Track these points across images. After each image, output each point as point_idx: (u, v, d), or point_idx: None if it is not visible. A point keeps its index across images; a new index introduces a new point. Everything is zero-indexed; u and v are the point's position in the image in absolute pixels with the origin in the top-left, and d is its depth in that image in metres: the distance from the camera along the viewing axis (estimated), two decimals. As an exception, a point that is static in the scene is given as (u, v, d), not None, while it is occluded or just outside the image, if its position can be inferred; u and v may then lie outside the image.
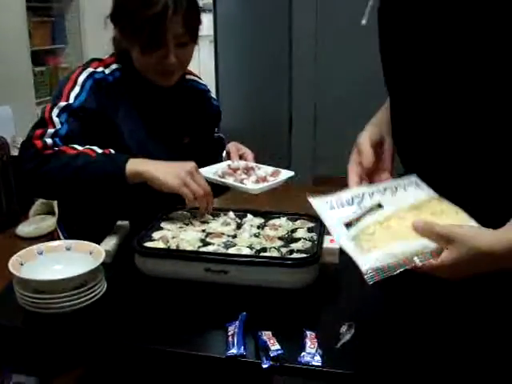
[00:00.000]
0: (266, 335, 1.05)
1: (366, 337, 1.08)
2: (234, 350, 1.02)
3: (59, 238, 1.74)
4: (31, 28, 3.78)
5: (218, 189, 1.61)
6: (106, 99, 1.55)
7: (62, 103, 1.49)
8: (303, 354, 1.01)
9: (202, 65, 5.94)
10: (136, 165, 1.39)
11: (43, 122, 1.47)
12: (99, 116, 1.52)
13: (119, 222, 1.55)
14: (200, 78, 1.82)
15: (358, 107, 4.19)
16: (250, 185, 1.45)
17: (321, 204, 1.01)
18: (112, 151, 1.45)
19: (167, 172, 1.37)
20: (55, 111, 1.48)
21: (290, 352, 1.01)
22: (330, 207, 0.99)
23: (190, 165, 1.41)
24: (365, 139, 1.08)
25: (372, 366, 1.02)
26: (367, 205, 0.97)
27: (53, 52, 4.14)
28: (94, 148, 1.44)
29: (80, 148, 1.43)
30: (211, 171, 1.53)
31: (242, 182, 1.47)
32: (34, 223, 3.39)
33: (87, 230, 1.61)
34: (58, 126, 1.46)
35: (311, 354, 1.02)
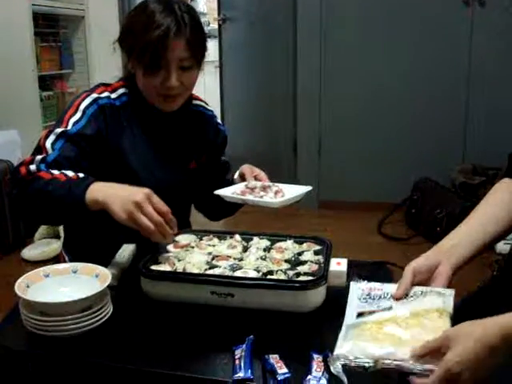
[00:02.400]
0: (273, 358, 1.03)
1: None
2: (241, 374, 1.01)
3: (65, 262, 1.74)
4: (38, 53, 3.83)
5: (233, 207, 1.65)
6: (110, 124, 1.56)
7: (59, 129, 1.49)
8: (309, 377, 1.00)
9: (208, 90, 6.00)
10: (95, 192, 1.32)
11: (38, 149, 1.47)
12: (101, 141, 1.53)
13: (125, 245, 1.55)
14: (207, 104, 1.83)
15: (362, 136, 4.24)
16: (271, 199, 1.45)
17: (354, 289, 1.18)
18: (81, 175, 1.40)
19: (116, 203, 1.27)
20: (51, 138, 1.48)
21: (297, 375, 1.00)
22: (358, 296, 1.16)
23: (140, 194, 1.27)
24: (409, 266, 1.17)
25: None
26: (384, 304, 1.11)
27: (60, 77, 4.18)
28: (66, 172, 1.40)
29: (56, 173, 1.40)
30: (228, 191, 1.53)
31: (261, 198, 1.47)
32: (40, 247, 3.38)
33: (92, 253, 1.59)
34: (50, 152, 1.45)
35: (317, 377, 1.00)
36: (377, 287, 1.17)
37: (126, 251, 1.52)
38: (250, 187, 1.53)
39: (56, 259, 2.04)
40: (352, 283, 1.19)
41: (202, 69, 1.61)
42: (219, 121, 1.86)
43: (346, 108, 4.23)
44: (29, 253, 3.37)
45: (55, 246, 3.29)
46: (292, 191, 1.52)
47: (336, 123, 4.28)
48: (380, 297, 1.14)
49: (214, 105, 5.53)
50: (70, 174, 1.40)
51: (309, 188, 1.56)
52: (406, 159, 4.11)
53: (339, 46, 4.17)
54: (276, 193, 1.49)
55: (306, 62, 4.26)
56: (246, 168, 1.65)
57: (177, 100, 1.58)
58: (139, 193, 1.27)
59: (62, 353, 1.12)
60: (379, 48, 4.11)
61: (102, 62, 4.21)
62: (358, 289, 1.17)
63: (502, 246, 3.29)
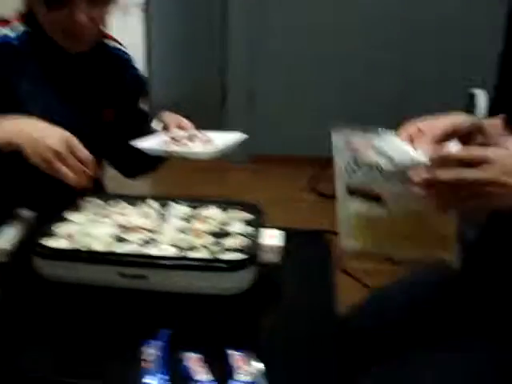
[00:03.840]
0: (191, 360, 0.84)
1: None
2: (149, 380, 0.81)
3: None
4: None
5: (152, 161, 1.48)
6: (5, 66, 1.33)
7: None
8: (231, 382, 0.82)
9: (131, 34, 5.62)
10: (5, 132, 1.14)
11: None
12: None
13: (20, 211, 1.30)
14: (122, 46, 1.58)
15: (295, 85, 4.03)
16: (200, 149, 1.26)
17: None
18: None
19: (32, 147, 1.11)
20: None
21: (222, 379, 0.82)
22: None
23: (58, 142, 1.12)
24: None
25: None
26: None
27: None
28: None
29: None
30: (149, 143, 1.33)
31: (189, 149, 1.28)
32: None
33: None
34: None
35: (242, 382, 0.82)
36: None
37: (21, 219, 1.28)
38: (174, 137, 1.32)
39: None
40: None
41: (113, 3, 1.36)
42: (135, 65, 1.62)
43: (279, 57, 4.00)
44: None
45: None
46: (223, 140, 1.33)
47: (268, 72, 4.05)
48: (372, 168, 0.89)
49: (137, 49, 5.23)
50: None
51: (243, 136, 1.40)
52: (344, 111, 3.94)
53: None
54: (205, 142, 1.30)
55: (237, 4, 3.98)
56: (168, 116, 1.45)
57: (86, 39, 1.34)
58: (54, 136, 1.13)
59: None
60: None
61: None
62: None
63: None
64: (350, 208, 0.93)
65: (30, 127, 1.15)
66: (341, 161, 0.92)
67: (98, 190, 1.59)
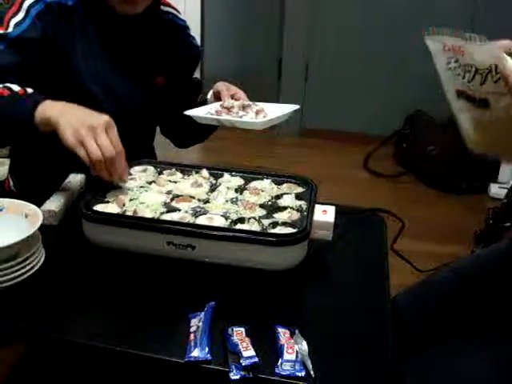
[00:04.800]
0: (238, 335, 0.82)
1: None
2: (195, 353, 0.80)
3: (9, 189, 1.51)
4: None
5: (204, 131, 1.45)
6: (60, 27, 1.30)
7: None
8: (280, 362, 0.79)
9: (188, 2, 5.59)
10: (47, 110, 1.09)
11: None
12: (48, 47, 1.27)
13: (72, 175, 1.31)
14: (179, 12, 1.55)
15: (354, 58, 3.91)
16: (252, 119, 1.24)
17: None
18: (29, 90, 1.17)
19: (69, 125, 1.05)
20: None
21: (267, 358, 0.79)
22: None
23: (98, 119, 1.06)
24: None
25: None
26: None
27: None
28: (11, 86, 1.17)
29: None
30: (201, 112, 1.30)
31: (240, 118, 1.25)
32: (-13, 167, 3.09)
33: (40, 180, 1.38)
34: None
35: (291, 361, 0.79)
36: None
37: (73, 183, 1.28)
38: (227, 106, 1.30)
39: (1, 183, 1.80)
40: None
41: None
42: (192, 33, 1.59)
43: (338, 32, 3.88)
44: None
45: (4, 168, 2.99)
46: (276, 111, 1.30)
47: (325, 47, 3.94)
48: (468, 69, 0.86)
49: (194, 19, 5.20)
50: (16, 88, 1.17)
51: (295, 107, 1.35)
52: (399, 89, 3.81)
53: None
54: (257, 112, 1.27)
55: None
56: (222, 85, 1.41)
57: (141, 2, 1.31)
58: (98, 117, 1.07)
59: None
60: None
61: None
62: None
63: (496, 190, 3.13)
64: (460, 111, 0.91)
65: (74, 110, 1.11)
66: (443, 64, 0.89)
67: (150, 158, 1.59)
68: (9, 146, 1.57)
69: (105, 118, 1.07)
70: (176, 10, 1.54)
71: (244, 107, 1.29)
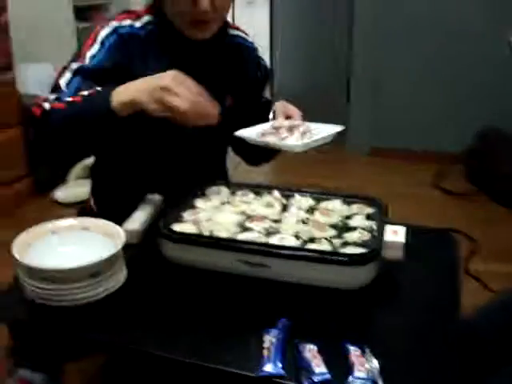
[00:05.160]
0: (310, 352, 0.85)
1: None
2: (268, 368, 0.83)
3: (91, 210, 1.59)
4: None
5: (270, 151, 1.44)
6: (134, 56, 1.37)
7: (75, 65, 1.30)
8: (351, 379, 0.81)
9: (257, 24, 5.70)
10: (119, 95, 1.18)
11: (54, 88, 1.30)
12: (123, 76, 1.34)
13: (150, 196, 1.37)
14: (247, 35, 1.61)
15: (423, 76, 3.87)
16: (293, 141, 1.24)
17: None
18: (99, 88, 1.25)
19: (143, 95, 1.15)
20: (67, 75, 1.29)
21: (339, 375, 0.82)
22: None
23: (166, 78, 1.16)
24: None
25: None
26: None
27: (98, 7, 3.94)
28: (82, 93, 1.24)
29: (70, 99, 1.24)
30: (250, 132, 1.33)
31: (283, 140, 1.26)
32: (72, 188, 3.21)
33: (120, 200, 1.45)
34: (65, 91, 1.27)
35: (361, 379, 0.81)
36: None
37: (151, 203, 1.35)
38: (275, 126, 1.32)
39: (84, 203, 1.90)
40: None
41: None
42: (260, 54, 1.64)
43: (407, 47, 3.86)
44: (61, 194, 3.20)
45: (87, 188, 3.12)
46: (321, 131, 1.30)
47: (394, 63, 3.92)
48: None
49: (263, 39, 5.29)
50: (86, 92, 1.24)
51: (339, 128, 1.34)
52: (471, 105, 3.73)
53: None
54: (303, 133, 1.28)
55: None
56: (279, 105, 1.44)
57: (209, 26, 1.37)
58: (165, 76, 1.17)
59: (65, 324, 0.96)
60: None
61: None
62: None
63: None
64: None
65: (140, 82, 1.19)
66: None
67: (223, 177, 1.64)
68: (92, 158, 1.64)
69: (170, 73, 1.17)
70: (244, 32, 1.60)
71: (291, 128, 1.30)
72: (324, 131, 1.30)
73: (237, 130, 1.57)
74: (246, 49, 1.57)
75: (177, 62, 1.42)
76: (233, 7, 5.51)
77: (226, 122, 1.54)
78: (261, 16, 5.77)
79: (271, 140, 1.27)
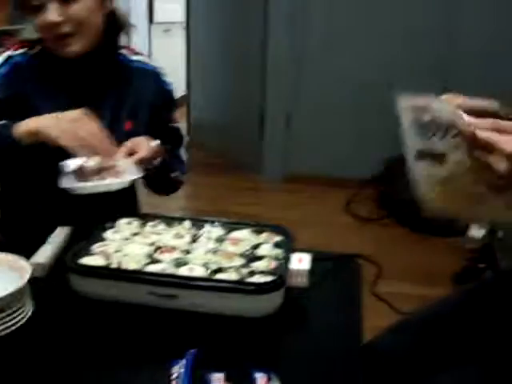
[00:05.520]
0: (218, 380, 0.87)
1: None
2: (176, 399, 0.84)
3: (-1, 243, 1.55)
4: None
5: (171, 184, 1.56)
6: (27, 85, 1.38)
7: None
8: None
9: (175, 52, 5.73)
10: (25, 124, 1.21)
11: None
12: (17, 105, 1.34)
13: (60, 228, 1.36)
14: (148, 58, 1.63)
15: (337, 104, 4.02)
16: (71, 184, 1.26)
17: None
18: (1, 122, 1.26)
19: (50, 125, 1.19)
20: None
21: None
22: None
23: (74, 112, 1.21)
24: None
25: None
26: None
27: (10, 33, 3.84)
28: None
29: None
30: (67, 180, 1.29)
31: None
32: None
33: (28, 235, 1.42)
34: None
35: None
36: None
37: (60, 235, 1.33)
38: (84, 171, 1.31)
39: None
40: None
41: None
42: (165, 79, 1.63)
43: (317, 83, 4.02)
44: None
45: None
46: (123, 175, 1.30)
47: (306, 97, 4.06)
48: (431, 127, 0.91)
49: (179, 69, 5.31)
50: None
51: (128, 179, 1.30)
52: (379, 133, 3.91)
53: (313, 17, 3.94)
54: (115, 174, 1.29)
55: (277, 20, 4.01)
56: (129, 142, 1.37)
57: (72, 40, 1.34)
58: (73, 112, 1.22)
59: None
60: (363, 21, 3.88)
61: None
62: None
63: (474, 231, 3.20)
64: (419, 170, 0.95)
65: (47, 116, 1.23)
66: (407, 124, 0.94)
67: (133, 207, 1.64)
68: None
69: (77, 110, 1.21)
70: (144, 55, 1.61)
71: (99, 171, 1.29)
72: (123, 176, 1.30)
73: None
74: (146, 73, 1.57)
75: (71, 90, 1.42)
76: (149, 35, 5.53)
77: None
78: (178, 45, 5.81)
79: (88, 186, 1.26)
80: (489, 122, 0.83)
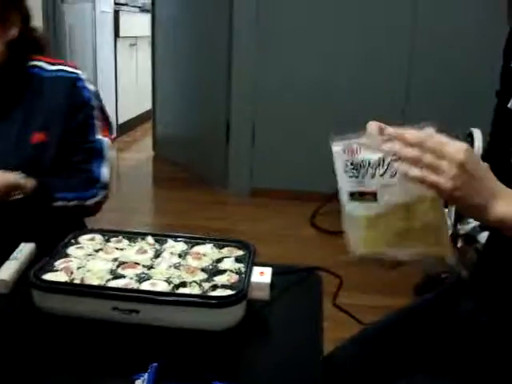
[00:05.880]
0: (178, 393, 0.88)
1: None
2: (138, 413, 0.85)
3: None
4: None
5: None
6: None
7: None
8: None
9: (140, 66, 5.74)
10: None
11: None
12: None
13: (23, 244, 1.36)
14: (54, 64, 1.55)
15: (299, 121, 4.09)
16: None
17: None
18: None
19: None
20: None
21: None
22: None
23: None
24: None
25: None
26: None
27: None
28: None
29: None
30: None
31: None
32: None
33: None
34: None
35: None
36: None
37: (23, 252, 1.33)
38: None
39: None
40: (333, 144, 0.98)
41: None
42: (84, 85, 1.56)
43: (281, 93, 4.08)
44: None
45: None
46: None
47: (270, 108, 4.11)
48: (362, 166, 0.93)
49: (145, 82, 5.33)
50: None
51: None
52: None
53: (277, 36, 4.01)
54: None
55: (241, 46, 4.06)
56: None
57: None
58: None
59: None
60: (324, 30, 3.94)
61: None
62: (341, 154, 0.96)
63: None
64: (350, 212, 0.96)
65: None
66: (340, 167, 0.96)
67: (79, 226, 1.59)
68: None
69: None
70: (64, 63, 1.58)
71: None
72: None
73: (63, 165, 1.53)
74: (60, 81, 1.53)
75: None
76: (115, 48, 5.52)
77: (36, 161, 1.49)
78: (144, 58, 5.82)
79: None
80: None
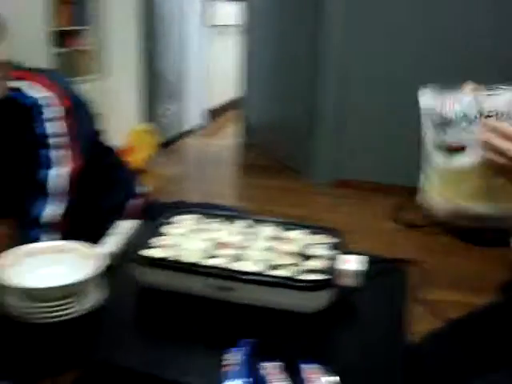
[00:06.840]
0: (268, 369, 0.93)
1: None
2: (229, 383, 0.90)
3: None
4: (52, 8, 3.65)
5: None
6: None
7: None
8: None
9: (231, 55, 5.83)
10: None
11: None
12: None
13: (121, 222, 1.44)
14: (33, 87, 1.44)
15: (384, 111, 4.03)
16: None
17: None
18: None
19: None
20: None
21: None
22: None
23: None
24: None
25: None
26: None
27: (74, 33, 3.99)
28: None
29: None
30: None
31: None
32: None
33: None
34: None
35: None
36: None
37: (122, 228, 1.42)
38: None
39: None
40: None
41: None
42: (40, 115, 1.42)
43: (370, 83, 4.03)
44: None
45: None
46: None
47: (358, 98, 4.08)
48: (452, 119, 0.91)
49: (234, 71, 5.41)
50: None
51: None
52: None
53: (367, 20, 3.96)
54: None
55: (330, 32, 4.04)
56: None
57: None
58: None
59: (39, 340, 1.03)
60: (414, 14, 3.83)
61: (119, 19, 4.06)
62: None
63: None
64: (435, 163, 0.96)
65: None
66: (428, 119, 0.96)
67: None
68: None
69: None
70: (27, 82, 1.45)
71: None
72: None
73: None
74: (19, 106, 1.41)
75: None
76: (204, 36, 5.65)
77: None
78: (231, 48, 5.91)
79: None
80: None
